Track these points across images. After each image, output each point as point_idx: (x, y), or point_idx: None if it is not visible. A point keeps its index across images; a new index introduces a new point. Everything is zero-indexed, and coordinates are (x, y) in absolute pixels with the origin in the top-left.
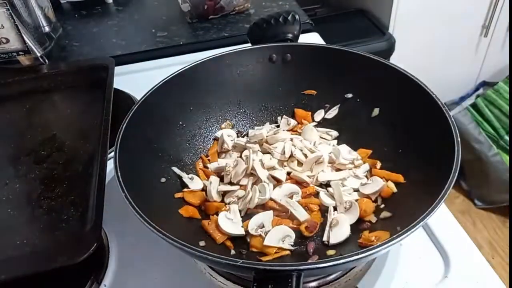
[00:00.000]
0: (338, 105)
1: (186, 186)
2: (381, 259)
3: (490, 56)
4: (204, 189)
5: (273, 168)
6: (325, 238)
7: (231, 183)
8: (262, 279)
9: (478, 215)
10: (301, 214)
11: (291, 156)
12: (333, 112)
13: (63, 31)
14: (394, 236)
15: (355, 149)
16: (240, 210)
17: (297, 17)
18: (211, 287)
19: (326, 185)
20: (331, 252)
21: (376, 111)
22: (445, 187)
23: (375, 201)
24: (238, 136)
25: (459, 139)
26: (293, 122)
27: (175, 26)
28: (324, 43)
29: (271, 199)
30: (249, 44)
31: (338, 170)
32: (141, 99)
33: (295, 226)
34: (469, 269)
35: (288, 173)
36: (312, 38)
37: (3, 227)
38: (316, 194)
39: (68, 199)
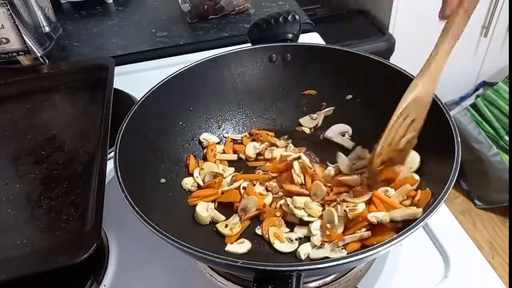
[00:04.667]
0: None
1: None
2: (381, 259)
3: (490, 56)
4: None
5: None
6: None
7: None
8: (262, 280)
9: (478, 215)
10: None
11: None
12: (328, 112)
13: (63, 31)
14: (394, 237)
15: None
16: None
17: (297, 17)
18: (211, 287)
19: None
20: None
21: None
22: (445, 187)
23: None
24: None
25: (459, 139)
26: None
27: (175, 26)
28: (324, 43)
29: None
30: (249, 44)
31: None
32: (141, 99)
33: None
34: (469, 269)
35: None
36: (312, 38)
37: (3, 227)
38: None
39: (68, 199)
